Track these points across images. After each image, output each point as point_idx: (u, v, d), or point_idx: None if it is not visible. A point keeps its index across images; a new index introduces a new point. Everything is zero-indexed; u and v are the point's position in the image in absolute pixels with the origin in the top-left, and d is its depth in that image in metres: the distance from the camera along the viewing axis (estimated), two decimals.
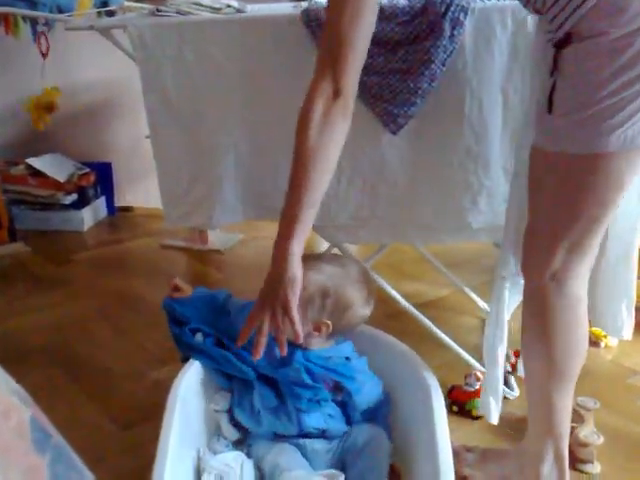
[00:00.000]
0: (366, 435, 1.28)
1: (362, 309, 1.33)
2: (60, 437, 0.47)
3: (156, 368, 1.84)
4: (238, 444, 1.33)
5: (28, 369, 1.86)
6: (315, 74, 1.13)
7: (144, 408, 1.64)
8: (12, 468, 0.39)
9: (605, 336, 1.98)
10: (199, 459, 1.26)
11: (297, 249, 1.12)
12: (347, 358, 1.34)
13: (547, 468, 1.32)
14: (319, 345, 1.33)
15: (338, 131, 1.14)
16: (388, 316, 2.12)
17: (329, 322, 1.29)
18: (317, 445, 1.28)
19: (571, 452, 1.47)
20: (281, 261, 1.11)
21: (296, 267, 1.11)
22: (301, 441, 1.28)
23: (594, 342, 2.01)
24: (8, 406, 0.44)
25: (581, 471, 1.44)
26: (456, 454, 1.13)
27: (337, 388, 1.30)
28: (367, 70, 1.41)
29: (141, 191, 3.38)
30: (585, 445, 1.45)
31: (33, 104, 3.03)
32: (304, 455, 1.27)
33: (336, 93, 1.12)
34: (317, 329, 1.29)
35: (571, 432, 1.48)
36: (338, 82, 1.12)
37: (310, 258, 1.26)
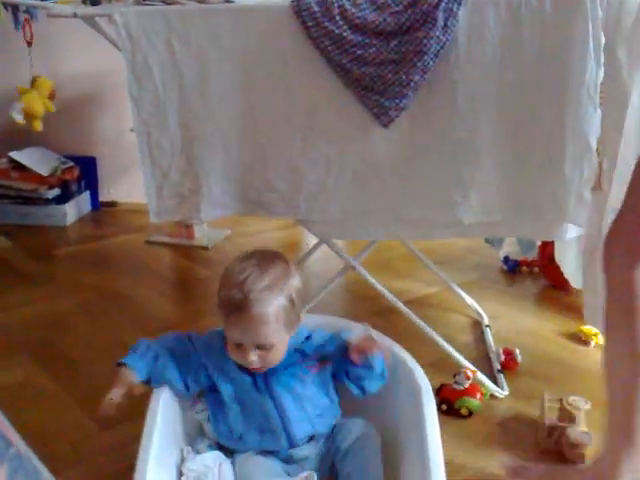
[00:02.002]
0: (353, 436, 1.25)
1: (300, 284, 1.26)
2: (23, 445, 0.42)
3: None
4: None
5: (8, 366, 1.83)
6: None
7: (126, 407, 1.59)
8: None
9: (596, 335, 1.97)
10: (182, 459, 1.22)
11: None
12: (307, 337, 1.30)
13: None
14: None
15: None
16: (375, 313, 2.10)
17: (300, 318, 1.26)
18: (306, 451, 1.25)
19: (562, 453, 1.46)
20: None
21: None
22: (289, 451, 1.24)
23: (584, 341, 2.00)
24: None
25: None
26: (516, 473, 1.02)
27: (321, 361, 1.29)
28: (358, 61, 1.39)
29: (126, 186, 3.34)
30: (576, 446, 1.43)
31: (32, 95, 2.92)
32: (295, 463, 1.24)
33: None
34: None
35: (562, 432, 1.46)
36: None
37: (247, 303, 1.15)
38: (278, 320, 1.17)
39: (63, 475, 1.40)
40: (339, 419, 1.30)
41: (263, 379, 1.24)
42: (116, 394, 1.19)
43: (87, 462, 1.44)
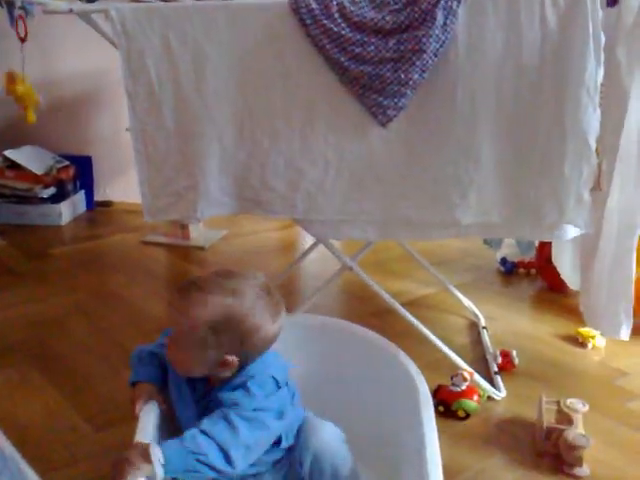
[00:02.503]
0: (311, 454, 1.17)
1: (271, 327, 1.14)
2: (8, 446, 0.40)
3: None
4: None
5: (2, 365, 1.81)
6: None
7: (120, 409, 1.58)
8: None
9: (593, 337, 1.96)
10: None
11: None
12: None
13: None
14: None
15: None
16: (372, 314, 2.09)
17: (231, 358, 1.12)
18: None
19: (559, 455, 1.45)
20: None
21: None
22: None
23: (581, 343, 1.99)
24: None
25: (571, 475, 1.42)
26: None
27: None
28: (357, 59, 1.38)
29: (121, 186, 3.33)
30: (574, 448, 1.42)
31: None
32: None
33: None
34: (223, 366, 1.12)
35: (559, 435, 1.45)
36: None
37: (192, 289, 1.11)
38: (198, 322, 1.09)
39: (57, 476, 1.39)
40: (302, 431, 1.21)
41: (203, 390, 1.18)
42: (139, 408, 1.16)
43: (82, 464, 1.42)
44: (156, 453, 0.99)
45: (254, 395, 1.11)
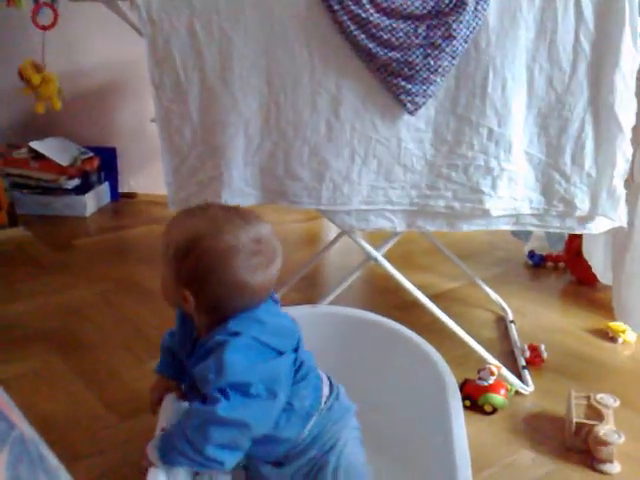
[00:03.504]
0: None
1: (251, 278, 0.98)
2: (29, 429, 0.38)
3: (157, 357, 1.77)
4: None
5: (27, 355, 1.82)
6: None
7: (144, 398, 1.57)
8: None
9: (623, 331, 1.92)
10: None
11: None
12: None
13: None
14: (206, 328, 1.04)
15: None
16: (395, 307, 2.07)
17: (188, 294, 0.99)
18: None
19: (590, 451, 1.42)
20: None
21: None
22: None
23: (612, 337, 1.95)
24: None
25: (601, 471, 1.39)
26: None
27: None
28: (385, 46, 1.36)
29: (145, 177, 3.34)
30: (605, 444, 1.39)
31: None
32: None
33: None
34: (184, 301, 1.01)
35: (590, 430, 1.42)
36: None
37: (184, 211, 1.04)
38: (167, 241, 1.01)
39: (81, 465, 1.39)
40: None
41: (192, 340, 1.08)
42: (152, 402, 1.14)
43: (106, 453, 1.42)
44: (153, 454, 0.95)
45: (228, 365, 0.94)
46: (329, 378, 1.15)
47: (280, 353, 1.01)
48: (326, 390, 1.12)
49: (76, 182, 3.10)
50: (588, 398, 1.51)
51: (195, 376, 0.99)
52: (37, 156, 3.04)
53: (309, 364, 1.09)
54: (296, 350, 1.06)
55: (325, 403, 1.10)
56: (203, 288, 0.98)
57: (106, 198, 3.32)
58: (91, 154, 3.19)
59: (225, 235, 0.97)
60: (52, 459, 0.39)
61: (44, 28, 2.70)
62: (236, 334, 0.96)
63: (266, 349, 0.99)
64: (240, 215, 1.02)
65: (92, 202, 3.17)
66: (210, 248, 0.96)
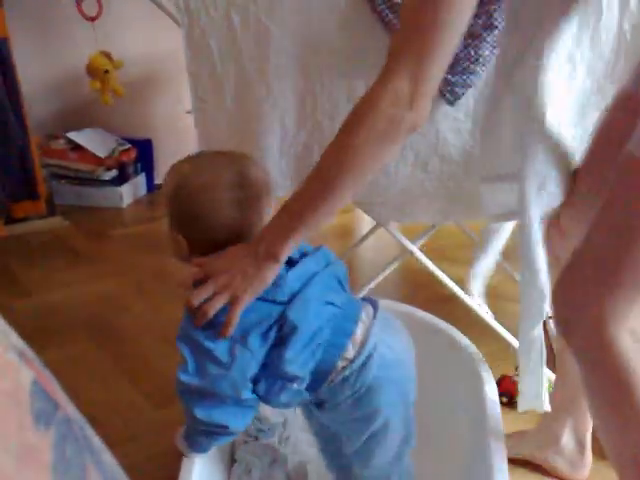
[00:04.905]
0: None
1: (229, 206, 0.95)
2: (73, 409, 0.37)
3: None
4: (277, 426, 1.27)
5: (64, 342, 1.85)
6: (387, 68, 0.92)
7: None
8: (0, 446, 0.29)
9: None
10: (234, 443, 1.20)
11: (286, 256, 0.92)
12: None
13: (566, 445, 1.32)
14: None
15: (393, 152, 0.96)
16: (430, 301, 2.03)
17: (179, 237, 0.98)
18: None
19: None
20: (265, 260, 0.90)
21: (274, 274, 0.92)
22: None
23: None
24: (2, 364, 0.33)
25: None
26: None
27: None
28: None
29: None
30: None
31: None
32: None
33: (411, 103, 0.91)
34: (178, 244, 1.00)
35: None
36: (418, 87, 0.90)
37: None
38: (164, 189, 0.99)
39: (115, 452, 1.40)
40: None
41: None
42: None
43: (139, 440, 1.44)
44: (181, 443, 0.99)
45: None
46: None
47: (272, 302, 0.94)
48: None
49: (113, 173, 3.13)
50: None
51: None
52: (75, 147, 3.08)
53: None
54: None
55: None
56: (192, 229, 0.96)
57: (142, 189, 3.35)
58: (128, 145, 3.22)
59: (206, 173, 0.95)
60: (96, 440, 0.38)
61: (92, 19, 2.74)
62: None
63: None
64: (228, 156, 1.00)
65: (128, 193, 3.20)
66: (191, 185, 0.95)
